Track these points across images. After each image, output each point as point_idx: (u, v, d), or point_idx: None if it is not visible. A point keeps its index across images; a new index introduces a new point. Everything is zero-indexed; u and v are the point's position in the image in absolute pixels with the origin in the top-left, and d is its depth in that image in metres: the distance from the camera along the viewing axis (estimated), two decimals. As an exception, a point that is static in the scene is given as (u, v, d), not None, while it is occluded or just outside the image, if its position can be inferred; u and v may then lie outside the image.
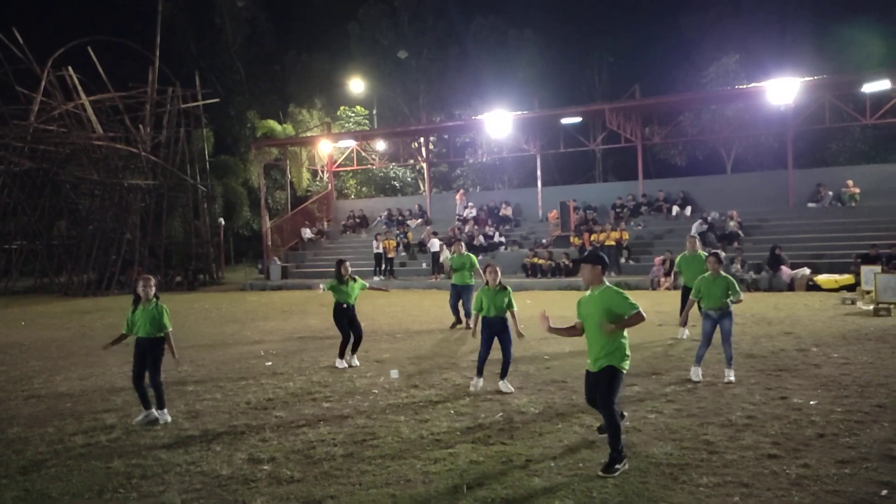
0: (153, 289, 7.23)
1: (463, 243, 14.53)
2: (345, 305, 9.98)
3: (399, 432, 6.57)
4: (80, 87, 29.19)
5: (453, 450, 5.97)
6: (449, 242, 22.69)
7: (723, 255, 8.71)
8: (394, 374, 7.43)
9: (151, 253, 30.11)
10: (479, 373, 8.21)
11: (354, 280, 10.12)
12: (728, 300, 8.16)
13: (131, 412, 7.51)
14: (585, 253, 5.06)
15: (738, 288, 8.23)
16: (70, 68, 29.23)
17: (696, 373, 8.19)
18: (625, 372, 5.51)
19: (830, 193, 23.45)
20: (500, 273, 8.25)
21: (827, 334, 11.21)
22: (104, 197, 29.49)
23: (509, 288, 8.18)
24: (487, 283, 8.16)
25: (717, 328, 8.28)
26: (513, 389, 8.00)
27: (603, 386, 5.46)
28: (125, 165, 29.81)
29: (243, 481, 5.42)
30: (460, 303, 13.51)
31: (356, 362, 10.04)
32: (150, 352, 7.16)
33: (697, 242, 11.43)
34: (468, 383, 8.42)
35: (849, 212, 22.61)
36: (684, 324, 11.38)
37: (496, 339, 8.10)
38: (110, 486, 5.43)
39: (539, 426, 6.59)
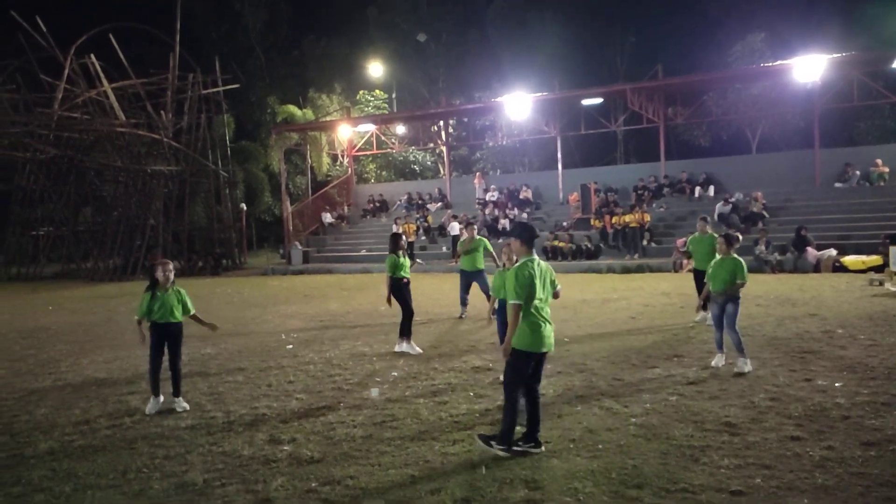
0: (173, 273, 7.25)
1: (475, 227, 14.31)
2: (405, 280, 9.91)
3: (418, 414, 6.59)
4: (102, 75, 29.48)
5: (472, 431, 5.97)
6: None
7: (739, 236, 8.45)
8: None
9: (175, 238, 30.47)
10: None
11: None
12: (735, 284, 7.86)
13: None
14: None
15: (745, 272, 7.89)
16: (92, 56, 29.52)
17: (718, 360, 8.07)
18: (517, 349, 5.39)
19: (858, 173, 22.95)
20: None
21: (853, 316, 11.02)
22: (128, 183, 29.88)
23: None
24: (504, 264, 8.04)
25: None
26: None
27: None
28: (148, 152, 30.16)
29: (264, 461, 5.49)
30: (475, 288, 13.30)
31: (417, 349, 9.62)
32: (174, 337, 7.19)
33: (707, 224, 11.25)
34: (487, 366, 8.41)
35: (877, 191, 22.13)
36: (703, 307, 11.26)
37: None
38: (134, 466, 5.52)
39: (558, 408, 6.57)
